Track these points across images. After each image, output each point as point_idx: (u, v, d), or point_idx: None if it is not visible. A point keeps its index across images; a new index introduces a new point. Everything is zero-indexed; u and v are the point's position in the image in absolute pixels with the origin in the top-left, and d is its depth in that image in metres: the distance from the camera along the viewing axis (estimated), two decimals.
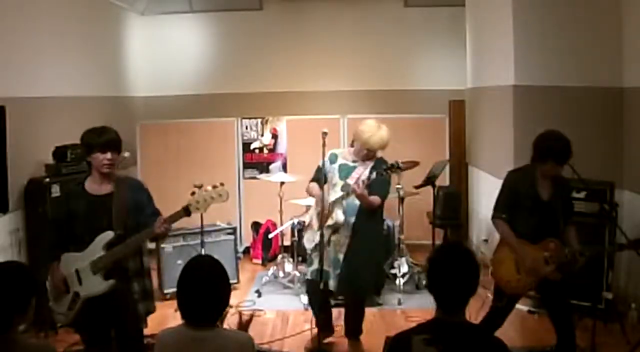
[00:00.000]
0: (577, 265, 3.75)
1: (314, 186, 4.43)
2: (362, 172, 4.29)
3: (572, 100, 5.40)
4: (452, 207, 6.19)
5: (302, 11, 8.31)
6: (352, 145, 4.55)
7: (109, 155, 3.46)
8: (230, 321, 4.90)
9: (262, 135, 7.31)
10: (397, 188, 5.75)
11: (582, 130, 5.36)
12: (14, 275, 2.38)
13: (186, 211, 3.40)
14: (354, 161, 4.37)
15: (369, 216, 4.32)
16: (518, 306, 5.11)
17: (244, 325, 3.04)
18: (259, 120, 7.33)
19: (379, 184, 4.21)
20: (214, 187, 3.37)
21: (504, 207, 3.87)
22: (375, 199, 4.23)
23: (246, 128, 7.32)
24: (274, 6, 8.34)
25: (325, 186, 4.35)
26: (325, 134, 4.27)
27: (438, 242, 6.16)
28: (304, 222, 4.68)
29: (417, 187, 5.93)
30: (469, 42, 7.10)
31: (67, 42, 5.87)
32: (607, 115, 5.41)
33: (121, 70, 7.60)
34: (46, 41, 5.42)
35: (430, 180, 5.94)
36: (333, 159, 4.46)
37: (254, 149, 7.32)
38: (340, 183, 4.32)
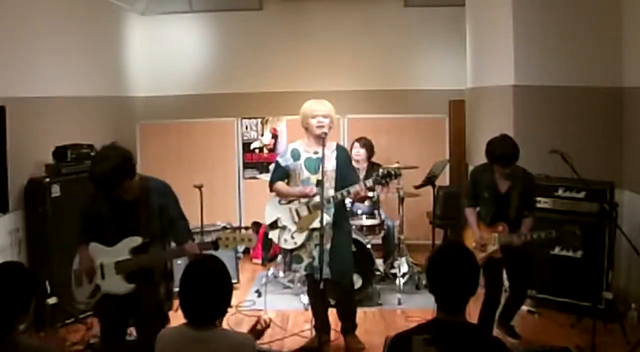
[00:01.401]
0: (515, 246, 4.27)
1: (283, 186, 4.42)
2: (328, 164, 4.29)
3: (572, 100, 5.40)
4: (452, 207, 6.18)
5: (302, 11, 8.31)
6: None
7: (112, 191, 3.49)
8: (230, 321, 4.91)
9: (262, 135, 7.31)
10: (397, 188, 5.74)
11: (582, 130, 5.37)
12: (14, 276, 2.37)
13: (215, 245, 3.58)
14: (315, 152, 4.33)
15: (343, 208, 4.45)
16: None
17: (257, 332, 3.04)
18: (259, 120, 7.33)
19: (351, 174, 4.33)
20: (246, 228, 3.56)
21: (471, 197, 4.51)
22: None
23: (246, 128, 7.32)
24: (274, 6, 8.34)
25: (291, 183, 4.40)
26: (325, 134, 4.27)
27: (438, 242, 6.16)
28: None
29: (417, 187, 5.92)
30: (469, 42, 7.10)
31: (67, 42, 5.87)
32: (607, 115, 5.41)
33: (121, 70, 7.60)
34: (46, 41, 5.42)
35: (430, 180, 5.94)
36: (296, 155, 4.40)
37: (254, 149, 7.32)
38: (314, 177, 4.29)
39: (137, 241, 3.50)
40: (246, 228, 7.08)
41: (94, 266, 3.59)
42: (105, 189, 3.48)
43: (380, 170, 4.19)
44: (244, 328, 4.59)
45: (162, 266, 3.67)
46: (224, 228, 6.09)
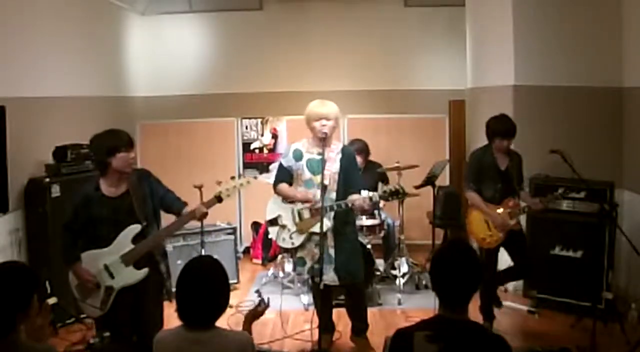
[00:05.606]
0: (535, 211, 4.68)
1: (285, 187, 4.41)
2: (332, 166, 4.28)
3: (572, 100, 5.40)
4: (452, 207, 6.18)
5: (302, 11, 8.30)
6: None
7: (132, 153, 3.66)
8: (230, 321, 4.91)
9: (262, 135, 7.31)
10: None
11: (581, 130, 5.38)
12: (16, 275, 2.36)
13: (219, 199, 3.74)
14: (319, 154, 4.28)
15: (345, 210, 4.33)
16: (518, 305, 5.16)
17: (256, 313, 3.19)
18: (259, 120, 7.33)
19: (356, 178, 4.33)
20: (238, 177, 3.77)
21: (472, 179, 4.67)
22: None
23: (246, 128, 7.32)
24: (274, 6, 8.33)
25: (294, 184, 4.39)
26: (325, 134, 4.26)
27: (438, 242, 6.16)
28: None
29: (417, 187, 5.92)
30: (469, 42, 7.09)
31: (67, 42, 5.87)
32: (607, 115, 5.41)
33: (121, 70, 7.60)
34: (46, 41, 5.42)
35: (430, 180, 5.95)
36: (298, 155, 4.38)
37: (254, 149, 7.32)
38: (316, 178, 4.26)
39: (137, 228, 3.60)
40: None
41: (96, 273, 3.64)
42: (134, 149, 3.69)
43: (389, 187, 4.19)
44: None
45: (162, 245, 3.86)
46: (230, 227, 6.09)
